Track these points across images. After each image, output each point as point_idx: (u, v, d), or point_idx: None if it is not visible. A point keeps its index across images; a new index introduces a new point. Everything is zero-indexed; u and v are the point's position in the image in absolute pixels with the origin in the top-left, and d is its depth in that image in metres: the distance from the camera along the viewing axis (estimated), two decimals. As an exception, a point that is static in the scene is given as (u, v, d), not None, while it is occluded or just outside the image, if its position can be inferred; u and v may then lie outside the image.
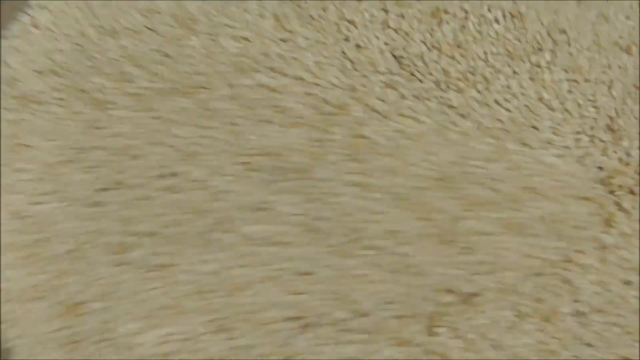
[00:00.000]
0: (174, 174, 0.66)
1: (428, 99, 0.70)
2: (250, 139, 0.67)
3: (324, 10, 0.72)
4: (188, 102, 0.68)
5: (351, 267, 0.64)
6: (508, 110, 0.71)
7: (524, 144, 0.70)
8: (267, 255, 0.64)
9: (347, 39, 0.72)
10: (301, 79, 0.70)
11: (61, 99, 0.68)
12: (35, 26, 0.72)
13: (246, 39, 0.71)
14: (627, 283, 0.66)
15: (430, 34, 0.72)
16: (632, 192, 0.69)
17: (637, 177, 0.69)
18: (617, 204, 0.69)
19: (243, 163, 0.66)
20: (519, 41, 0.73)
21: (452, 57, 0.71)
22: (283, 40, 0.72)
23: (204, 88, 0.68)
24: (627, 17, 0.76)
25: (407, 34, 0.72)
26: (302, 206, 0.65)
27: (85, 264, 0.64)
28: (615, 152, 0.70)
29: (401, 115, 0.69)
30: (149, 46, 0.71)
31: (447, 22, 0.72)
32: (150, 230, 0.65)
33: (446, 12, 0.73)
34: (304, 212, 0.65)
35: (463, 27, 0.72)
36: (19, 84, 0.70)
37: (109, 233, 0.65)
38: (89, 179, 0.66)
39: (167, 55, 0.70)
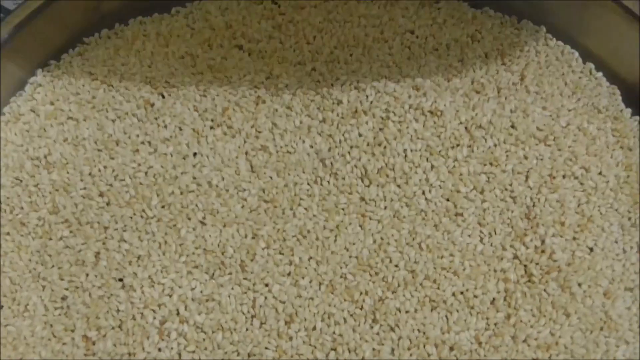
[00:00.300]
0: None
1: (350, 193, 0.77)
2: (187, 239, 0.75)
3: (255, 120, 0.81)
4: (126, 212, 0.76)
5: (293, 348, 0.71)
6: (427, 200, 0.77)
7: (442, 230, 0.76)
8: (218, 341, 0.72)
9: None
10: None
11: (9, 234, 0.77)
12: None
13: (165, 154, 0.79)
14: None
15: (350, 135, 0.79)
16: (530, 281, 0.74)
17: (549, 264, 0.74)
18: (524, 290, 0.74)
19: (185, 262, 0.74)
20: (438, 137, 0.80)
21: (373, 154, 0.78)
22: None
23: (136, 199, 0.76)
24: (544, 108, 0.83)
25: (329, 135, 0.79)
26: (243, 296, 0.73)
27: None
28: (531, 240, 0.75)
29: (325, 210, 0.76)
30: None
31: (366, 123, 0.79)
32: (114, 324, 0.73)
33: (365, 113, 0.80)
34: (245, 302, 0.73)
35: (383, 126, 0.79)
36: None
37: (78, 329, 0.72)
38: (52, 292, 0.74)
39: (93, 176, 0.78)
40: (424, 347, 0.71)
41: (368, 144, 0.79)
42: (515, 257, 0.75)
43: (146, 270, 0.72)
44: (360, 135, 0.79)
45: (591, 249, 0.75)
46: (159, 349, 0.70)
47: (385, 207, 0.76)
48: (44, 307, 0.72)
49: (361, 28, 0.88)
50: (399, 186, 0.77)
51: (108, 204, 0.76)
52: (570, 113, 0.83)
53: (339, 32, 0.87)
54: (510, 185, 0.78)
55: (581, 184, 0.79)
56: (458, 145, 0.79)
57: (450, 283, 0.73)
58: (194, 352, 0.70)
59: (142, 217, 0.75)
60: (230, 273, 0.73)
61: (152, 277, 0.72)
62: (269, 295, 0.72)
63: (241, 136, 0.80)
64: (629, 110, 0.84)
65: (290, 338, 0.71)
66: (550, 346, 0.71)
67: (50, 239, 0.75)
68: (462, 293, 0.73)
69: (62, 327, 0.71)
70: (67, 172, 0.77)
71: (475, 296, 0.73)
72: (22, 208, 0.76)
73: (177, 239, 0.74)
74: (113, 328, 0.71)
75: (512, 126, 0.81)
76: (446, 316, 0.72)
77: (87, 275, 0.73)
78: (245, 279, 0.73)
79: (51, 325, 0.71)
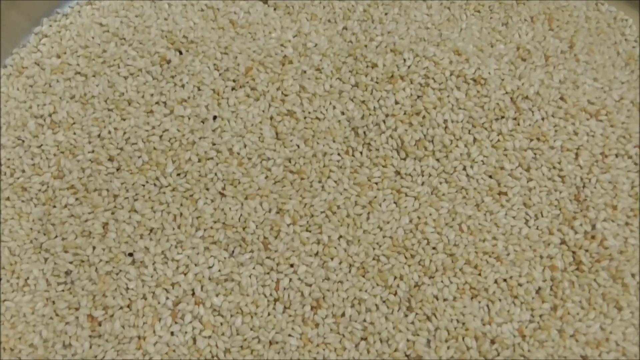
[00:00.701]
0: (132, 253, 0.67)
1: (385, 166, 0.70)
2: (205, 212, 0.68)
3: (282, 82, 0.74)
4: (138, 179, 0.69)
5: (320, 336, 0.65)
6: (468, 176, 0.70)
7: (484, 210, 0.69)
8: (236, 325, 0.65)
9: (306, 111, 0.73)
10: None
11: (9, 199, 0.70)
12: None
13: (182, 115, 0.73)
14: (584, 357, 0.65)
15: (386, 102, 0.72)
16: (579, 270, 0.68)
17: (600, 252, 0.68)
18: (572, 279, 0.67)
19: (202, 237, 0.67)
20: (482, 108, 0.73)
21: (410, 125, 0.71)
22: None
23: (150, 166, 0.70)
24: (595, 80, 0.76)
25: (362, 102, 0.73)
26: (265, 277, 0.66)
27: (67, 341, 0.65)
28: (581, 224, 0.69)
29: (356, 184, 0.70)
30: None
31: (404, 89, 0.73)
32: (122, 303, 0.66)
33: (403, 78, 0.73)
34: (268, 283, 0.66)
35: (422, 93, 0.72)
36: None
37: (83, 307, 0.66)
38: (55, 266, 0.68)
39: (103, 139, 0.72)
40: (463, 339, 0.65)
41: (405, 113, 0.72)
42: (563, 242, 0.68)
43: (159, 244, 0.66)
44: (396, 102, 0.73)
45: (645, 236, 0.67)
46: (172, 333, 0.64)
47: (423, 183, 0.70)
48: (46, 282, 0.66)
49: (398, -15, 0.79)
50: (437, 160, 0.71)
51: (118, 169, 0.70)
52: (624, 86, 0.76)
53: (373, -12, 0.79)
54: (559, 163, 0.71)
55: (635, 164, 0.72)
56: (503, 117, 0.73)
57: (492, 269, 0.67)
58: (210, 337, 0.64)
59: (155, 185, 0.69)
60: (251, 251, 0.66)
61: (165, 252, 0.66)
62: (294, 277, 0.66)
63: (265, 99, 0.73)
64: (688, 84, 0.75)
65: (317, 325, 0.65)
66: (601, 342, 0.65)
67: (54, 206, 0.69)
68: (505, 281, 0.66)
69: (65, 304, 0.65)
70: (74, 133, 0.71)
71: (520, 284, 0.66)
72: (23, 171, 0.70)
73: (194, 212, 0.67)
74: (121, 308, 0.65)
75: (561, 98, 0.75)
76: (487, 306, 0.66)
77: (94, 248, 0.66)
78: (268, 258, 0.66)
79: (53, 302, 0.65)
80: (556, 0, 0.82)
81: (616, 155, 0.72)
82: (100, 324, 0.64)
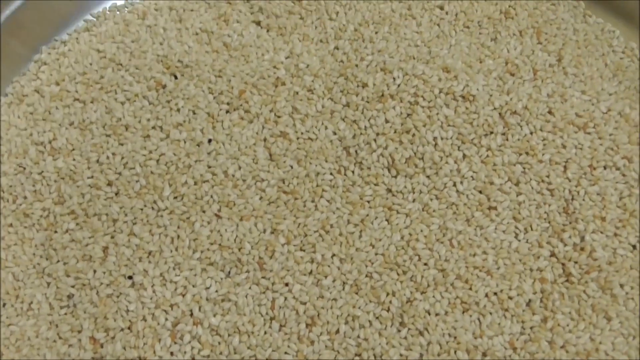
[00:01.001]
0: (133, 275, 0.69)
1: (376, 185, 0.72)
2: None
3: (274, 104, 0.76)
4: (136, 203, 0.71)
5: (315, 353, 0.66)
6: (458, 192, 0.72)
7: (474, 225, 0.71)
8: (234, 345, 0.67)
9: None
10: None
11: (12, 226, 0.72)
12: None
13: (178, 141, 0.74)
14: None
15: (376, 121, 0.74)
16: (568, 282, 0.69)
17: (589, 263, 0.69)
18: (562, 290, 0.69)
19: (199, 259, 0.69)
20: (470, 125, 0.74)
21: (400, 143, 0.73)
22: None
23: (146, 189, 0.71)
24: (583, 92, 0.77)
25: (354, 121, 0.74)
26: (261, 296, 0.68)
27: None
28: (570, 236, 0.70)
29: (349, 203, 0.71)
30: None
31: (394, 108, 0.74)
32: (123, 325, 0.67)
33: (393, 97, 0.74)
34: (264, 302, 0.68)
35: (412, 112, 0.74)
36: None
37: (85, 330, 0.68)
38: (57, 290, 0.69)
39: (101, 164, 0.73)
40: (455, 352, 0.66)
41: (395, 131, 0.74)
42: (553, 255, 0.70)
43: (157, 267, 0.68)
44: (387, 121, 0.74)
45: (634, 247, 0.70)
46: (171, 353, 0.66)
47: (414, 200, 0.72)
48: (49, 306, 0.68)
49: (387, 4, 0.83)
50: (428, 177, 0.73)
51: (117, 194, 0.71)
52: (611, 97, 0.78)
53: (364, 7, 0.82)
54: (548, 176, 0.73)
55: (623, 175, 0.74)
56: (492, 132, 0.74)
57: (483, 283, 0.68)
58: (208, 356, 0.66)
59: (153, 209, 0.71)
60: (247, 271, 0.68)
61: (164, 274, 0.68)
62: (289, 296, 0.67)
63: (259, 121, 0.75)
64: (675, 95, 0.76)
65: (312, 342, 0.66)
66: (590, 353, 0.66)
67: (56, 231, 0.70)
68: (495, 294, 0.68)
69: (68, 327, 0.67)
70: (74, 159, 0.73)
71: (510, 298, 0.68)
72: (25, 197, 0.72)
73: (191, 234, 0.69)
74: (122, 330, 0.66)
75: (550, 112, 0.76)
76: (479, 319, 0.67)
77: (95, 271, 0.68)
78: (263, 277, 0.68)
79: (57, 326, 0.67)
80: (544, 12, 0.82)
81: (604, 167, 0.73)
82: (102, 346, 0.66)
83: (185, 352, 0.66)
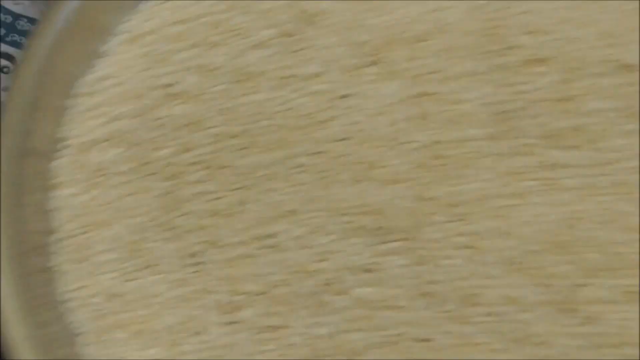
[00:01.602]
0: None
1: (532, 155, 0.65)
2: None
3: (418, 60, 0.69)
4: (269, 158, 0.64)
5: (471, 334, 0.59)
6: (625, 169, 0.64)
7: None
8: (382, 319, 0.59)
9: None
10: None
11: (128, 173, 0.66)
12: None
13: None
14: None
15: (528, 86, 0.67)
16: None
17: None
18: None
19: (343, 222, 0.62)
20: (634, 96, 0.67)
21: (559, 112, 0.66)
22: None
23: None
24: None
25: (504, 85, 0.68)
26: (413, 269, 0.61)
27: (196, 328, 0.61)
28: None
29: (505, 172, 0.64)
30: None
31: (548, 74, 0.67)
32: (259, 289, 0.61)
33: (547, 61, 0.68)
34: (416, 276, 0.60)
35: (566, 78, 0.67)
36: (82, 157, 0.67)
37: (216, 292, 0.61)
38: (181, 246, 0.63)
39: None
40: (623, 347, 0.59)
41: (551, 100, 0.67)
42: None
43: (297, 228, 0.62)
44: (541, 87, 0.67)
45: None
46: (310, 324, 0.59)
47: (575, 175, 0.65)
48: (171, 263, 0.61)
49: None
50: (591, 151, 0.65)
51: (247, 147, 0.65)
52: None
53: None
54: None
55: None
56: (658, 106, 0.65)
57: (659, 271, 0.59)
58: (348, 330, 0.59)
59: (288, 165, 0.64)
60: (395, 240, 0.61)
61: (303, 237, 0.62)
62: (440, 271, 0.61)
63: (400, 78, 0.69)
64: None
65: (467, 322, 0.59)
66: None
67: (180, 182, 0.63)
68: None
69: (192, 288, 0.60)
70: (196, 106, 0.65)
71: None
72: (140, 145, 0.66)
73: (332, 195, 0.63)
74: (257, 295, 0.59)
75: None
76: (655, 311, 0.58)
77: (226, 229, 0.62)
78: (413, 248, 0.62)
79: (181, 286, 0.60)
80: None
81: None
82: (232, 311, 0.59)
83: (325, 325, 0.59)
